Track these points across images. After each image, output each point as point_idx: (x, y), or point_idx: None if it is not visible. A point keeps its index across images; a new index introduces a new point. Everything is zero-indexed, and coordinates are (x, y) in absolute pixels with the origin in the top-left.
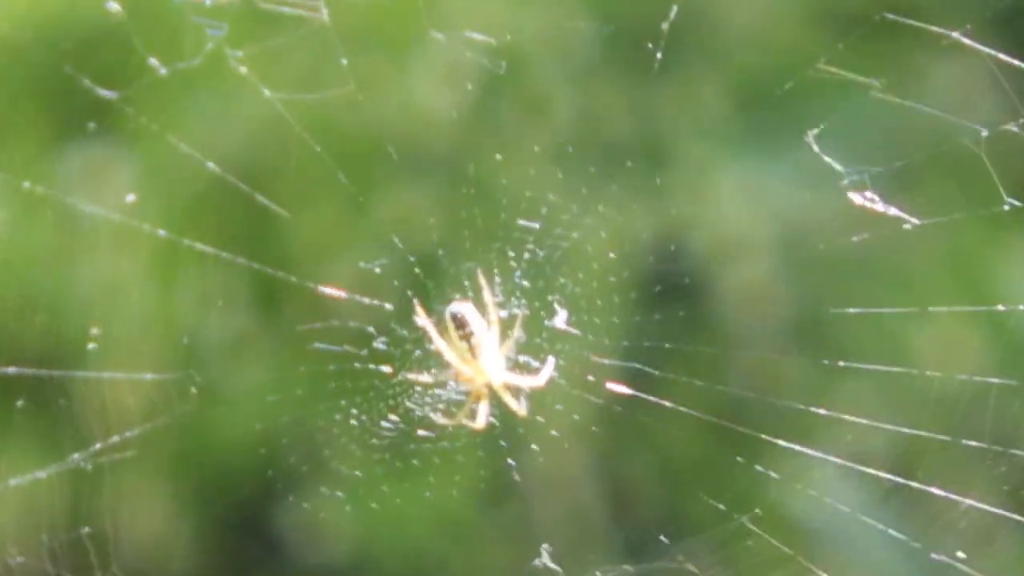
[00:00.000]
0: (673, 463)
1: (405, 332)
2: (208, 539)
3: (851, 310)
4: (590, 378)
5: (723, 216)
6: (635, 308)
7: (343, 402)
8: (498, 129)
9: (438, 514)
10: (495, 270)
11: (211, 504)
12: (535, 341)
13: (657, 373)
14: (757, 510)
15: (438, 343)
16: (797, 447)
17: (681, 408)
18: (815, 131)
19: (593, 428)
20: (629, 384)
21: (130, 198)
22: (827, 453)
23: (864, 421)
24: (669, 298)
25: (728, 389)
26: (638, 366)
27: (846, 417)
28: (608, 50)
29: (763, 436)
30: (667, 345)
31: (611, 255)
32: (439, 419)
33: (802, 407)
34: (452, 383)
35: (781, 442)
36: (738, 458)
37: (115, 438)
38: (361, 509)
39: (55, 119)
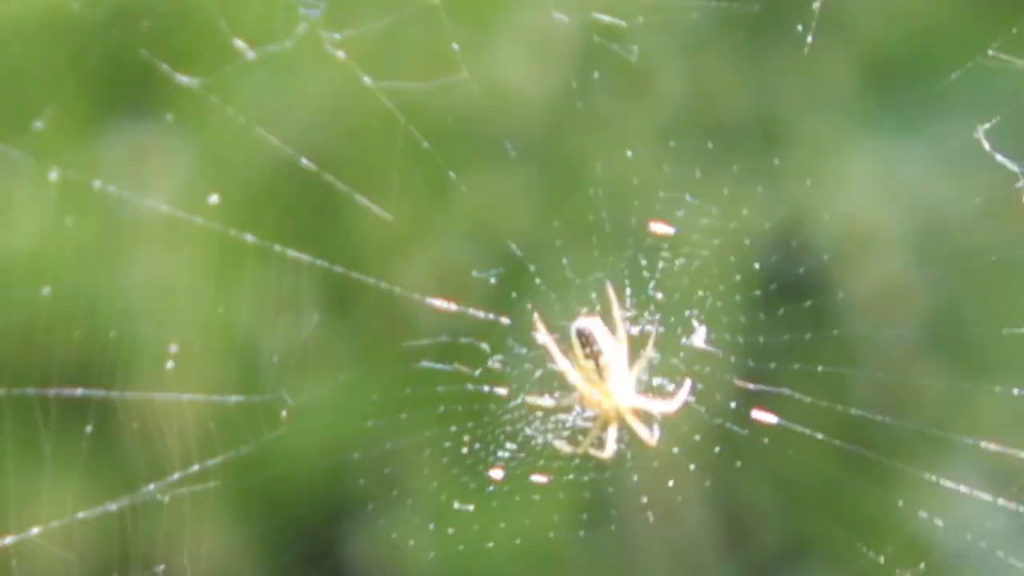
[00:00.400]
0: (797, 489)
1: (524, 350)
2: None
3: (1010, 330)
4: (733, 405)
5: (855, 208)
6: (764, 325)
7: (453, 428)
8: (620, 118)
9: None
10: (626, 281)
11: (297, 538)
12: (670, 361)
13: (786, 392)
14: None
15: (561, 363)
16: (932, 476)
17: (811, 432)
18: (985, 126)
19: (716, 448)
20: (759, 404)
21: (213, 199)
22: (967, 480)
23: (1009, 450)
24: (800, 313)
25: (859, 412)
26: (769, 388)
27: (988, 446)
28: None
29: (895, 463)
30: (796, 367)
31: (757, 266)
32: (563, 447)
33: (939, 432)
34: (577, 407)
35: (915, 471)
36: (868, 488)
37: (195, 467)
38: (448, 540)
39: (96, 96)
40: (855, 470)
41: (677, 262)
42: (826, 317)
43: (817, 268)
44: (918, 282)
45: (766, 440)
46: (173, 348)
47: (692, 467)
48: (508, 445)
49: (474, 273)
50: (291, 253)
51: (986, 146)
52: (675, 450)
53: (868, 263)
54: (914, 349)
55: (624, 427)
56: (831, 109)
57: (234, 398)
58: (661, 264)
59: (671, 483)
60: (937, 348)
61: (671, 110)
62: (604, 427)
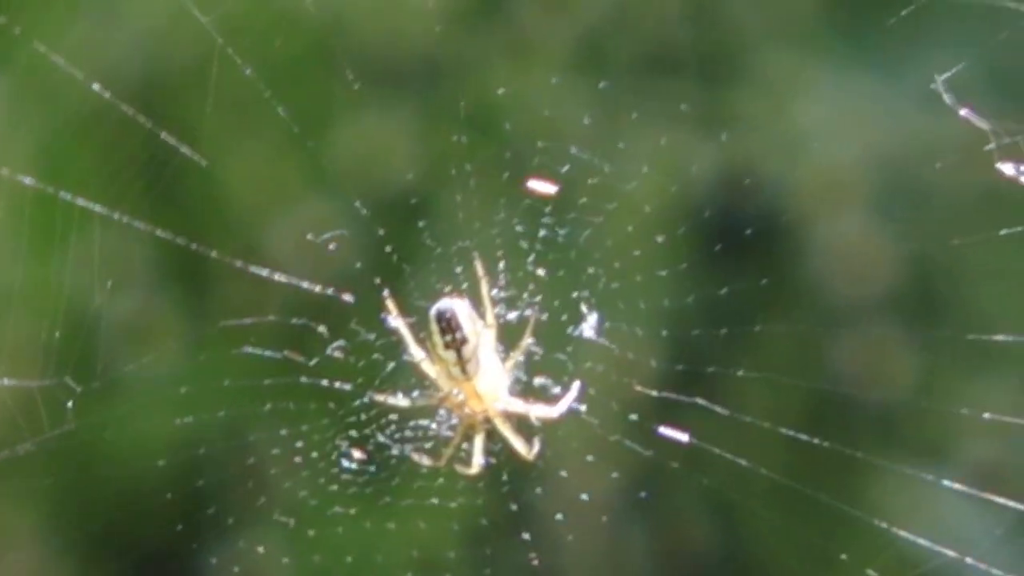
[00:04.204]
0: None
1: (372, 336)
2: None
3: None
4: (633, 417)
5: (809, 151)
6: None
7: (284, 431)
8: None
9: None
10: (499, 252)
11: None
12: (554, 356)
13: (700, 403)
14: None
15: (417, 353)
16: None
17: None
18: (945, 75)
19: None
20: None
21: None
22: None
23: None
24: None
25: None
26: (701, 401)
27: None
28: None
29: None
30: (738, 371)
31: (660, 239)
32: (420, 460)
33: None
34: (439, 411)
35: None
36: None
37: None
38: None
39: None
40: (798, 510)
41: (583, 234)
42: (776, 288)
43: (765, 226)
44: (887, 236)
45: (676, 464)
46: None
47: (584, 496)
48: (355, 455)
49: (308, 236)
50: (97, 208)
51: (947, 100)
52: (562, 473)
53: (829, 217)
54: (883, 315)
55: (496, 437)
56: (785, 37)
57: (6, 382)
58: (542, 232)
59: (558, 517)
60: (912, 315)
61: (584, 35)
62: (470, 436)
